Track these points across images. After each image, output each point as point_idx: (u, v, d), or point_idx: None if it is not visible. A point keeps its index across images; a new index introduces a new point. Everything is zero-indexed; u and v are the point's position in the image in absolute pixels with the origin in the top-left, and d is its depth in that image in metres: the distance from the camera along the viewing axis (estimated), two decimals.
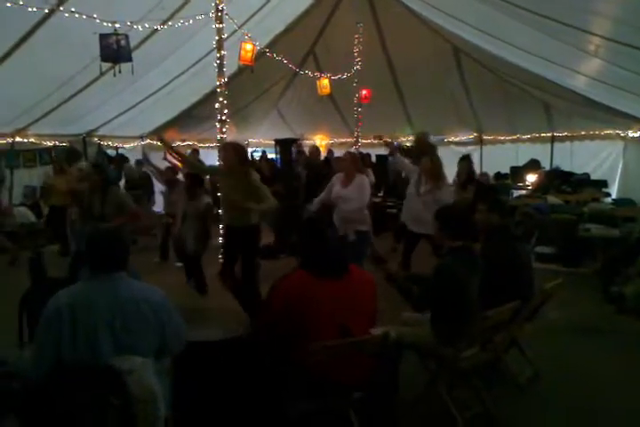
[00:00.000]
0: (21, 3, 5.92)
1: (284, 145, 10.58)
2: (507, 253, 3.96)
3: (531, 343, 4.24)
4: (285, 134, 15.11)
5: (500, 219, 4.21)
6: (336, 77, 11.47)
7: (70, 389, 2.48)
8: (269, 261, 7.21)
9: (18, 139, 10.25)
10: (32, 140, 10.49)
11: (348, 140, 14.45)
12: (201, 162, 9.63)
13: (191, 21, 7.91)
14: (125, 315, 2.59)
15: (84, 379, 2.48)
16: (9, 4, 5.74)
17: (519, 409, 3.78)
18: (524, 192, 11.41)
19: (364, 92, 11.56)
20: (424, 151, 6.42)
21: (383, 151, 14.23)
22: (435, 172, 5.79)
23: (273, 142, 15.17)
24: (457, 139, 14.28)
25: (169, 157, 7.75)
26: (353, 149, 11.27)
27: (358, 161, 6.14)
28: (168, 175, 8.26)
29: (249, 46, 8.42)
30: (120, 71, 6.66)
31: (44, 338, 2.58)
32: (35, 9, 6.26)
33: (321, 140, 15.66)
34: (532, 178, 11.86)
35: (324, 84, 11.25)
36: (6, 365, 3.04)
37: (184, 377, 2.96)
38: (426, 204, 5.57)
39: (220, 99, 7.33)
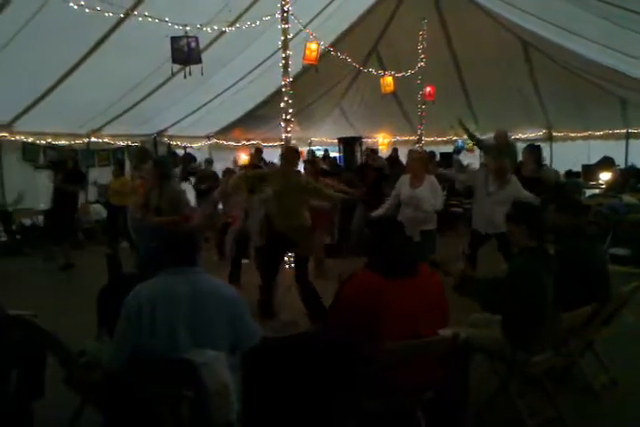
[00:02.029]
0: (98, 8, 6.18)
1: (347, 144, 10.58)
2: (581, 254, 3.82)
3: (606, 348, 4.07)
4: (347, 133, 15.15)
5: (573, 219, 4.05)
6: (400, 75, 11.37)
7: (147, 380, 2.57)
8: (330, 260, 7.23)
9: (93, 139, 10.76)
10: (106, 140, 10.98)
11: (411, 138, 14.30)
12: (260, 164, 9.72)
13: (257, 22, 8.03)
14: (201, 309, 2.66)
15: (160, 371, 2.56)
16: (87, 10, 6.00)
17: (593, 416, 3.64)
18: (597, 191, 10.95)
19: (427, 89, 11.41)
20: (500, 149, 6.22)
21: (447, 149, 14.07)
22: (501, 170, 5.65)
23: (335, 141, 15.31)
24: (525, 135, 13.86)
25: None
26: (416, 147, 11.15)
27: (427, 161, 6.05)
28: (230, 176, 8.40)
29: (313, 46, 8.48)
30: (190, 73, 6.85)
31: (125, 329, 2.68)
32: (111, 14, 6.51)
33: (383, 139, 15.58)
34: (605, 176, 11.36)
35: (388, 81, 11.17)
36: (86, 356, 3.20)
37: (252, 372, 3.01)
38: (496, 202, 5.43)
39: (285, 98, 7.41)
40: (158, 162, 5.68)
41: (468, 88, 13.60)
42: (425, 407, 2.91)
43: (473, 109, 14.06)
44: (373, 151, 11.01)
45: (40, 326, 3.22)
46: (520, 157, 7.02)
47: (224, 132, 13.58)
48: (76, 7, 6.07)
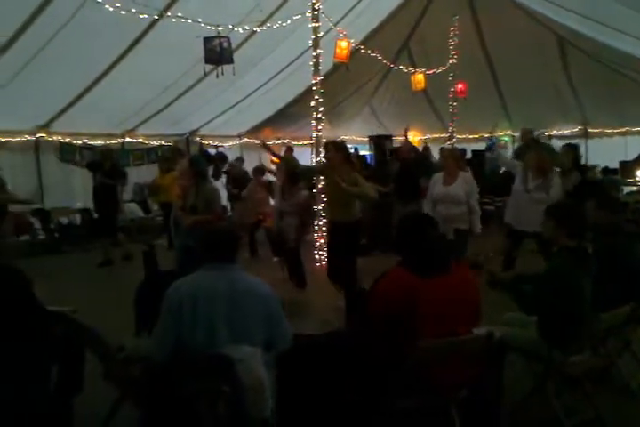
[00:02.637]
0: (134, 10, 6.29)
1: (377, 142, 10.55)
2: (619, 252, 3.74)
3: None
4: (377, 131, 15.10)
5: (611, 216, 3.98)
6: (431, 72, 11.29)
7: (186, 375, 2.62)
8: (362, 258, 7.20)
9: (128, 139, 10.97)
10: (140, 139, 11.20)
11: (442, 135, 14.17)
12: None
13: (288, 22, 8.06)
14: (239, 305, 2.70)
15: (198, 366, 2.61)
16: (123, 12, 6.12)
17: (631, 416, 3.56)
18: (634, 188, 10.69)
19: (459, 86, 11.30)
20: (529, 147, 6.15)
21: (479, 146, 13.90)
22: (541, 166, 5.56)
23: (365, 139, 15.26)
24: (560, 132, 13.61)
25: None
26: (447, 145, 11.06)
27: (460, 158, 5.99)
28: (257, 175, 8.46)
29: (344, 44, 8.48)
30: (223, 73, 6.93)
31: (166, 324, 2.74)
32: (145, 15, 6.62)
33: (414, 136, 15.46)
34: None
35: (419, 79, 11.10)
36: (124, 351, 3.27)
37: (286, 371, 3.03)
38: (534, 200, 5.35)
39: (316, 97, 7.43)
40: (193, 161, 5.77)
41: (501, 84, 13.41)
42: (459, 406, 2.89)
43: (506, 106, 13.88)
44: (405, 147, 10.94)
45: (80, 321, 3.29)
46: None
47: (254, 131, 13.66)
48: (111, 9, 6.20)
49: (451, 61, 10.97)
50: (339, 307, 5.23)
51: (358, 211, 5.39)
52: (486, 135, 14.16)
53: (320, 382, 3.00)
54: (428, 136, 15.53)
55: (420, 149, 12.87)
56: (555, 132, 13.62)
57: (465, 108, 11.45)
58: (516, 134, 14.67)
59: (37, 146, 9.66)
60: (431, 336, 2.73)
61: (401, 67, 11.58)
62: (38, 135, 9.59)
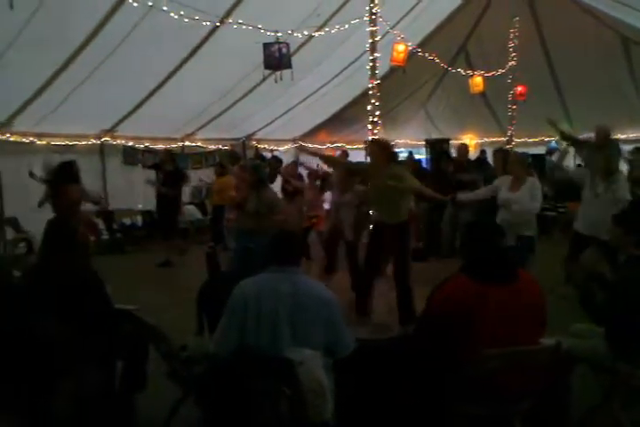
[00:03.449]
0: (197, 17, 6.46)
1: (434, 146, 10.43)
2: None
3: None
4: (433, 135, 14.95)
5: None
6: (489, 75, 11.08)
7: (248, 376, 2.65)
8: (418, 264, 7.11)
9: (187, 143, 11.27)
10: (199, 144, 11.48)
11: (500, 139, 13.88)
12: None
13: (346, 26, 8.08)
14: (301, 308, 2.73)
15: (260, 367, 2.64)
16: (186, 20, 6.29)
17: None
18: None
19: (519, 88, 11.05)
20: (600, 147, 5.87)
21: (539, 150, 13.53)
22: (609, 167, 5.36)
23: (419, 143, 15.13)
24: (624, 136, 13.08)
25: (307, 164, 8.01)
26: (502, 147, 10.80)
27: (526, 163, 5.80)
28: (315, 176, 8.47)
29: (401, 47, 8.44)
30: (282, 78, 7.01)
31: (229, 323, 2.80)
32: (208, 22, 6.78)
33: (470, 140, 15.22)
34: None
35: (477, 81, 10.92)
36: (187, 350, 3.34)
37: (345, 375, 3.03)
38: (604, 205, 5.16)
39: (373, 100, 7.41)
40: (254, 167, 5.85)
41: (562, 87, 13.03)
42: (524, 417, 2.82)
43: (567, 109, 13.47)
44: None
45: (145, 319, 3.39)
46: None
47: (309, 135, 13.78)
48: (176, 17, 6.38)
49: (510, 63, 10.74)
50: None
51: (406, 213, 5.30)
52: (546, 139, 13.81)
53: (380, 388, 2.98)
54: (485, 140, 15.26)
55: (477, 152, 12.72)
56: (619, 135, 13.08)
57: (524, 112, 11.19)
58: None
59: (102, 149, 10.05)
60: (493, 345, 2.67)
61: (458, 69, 11.41)
62: (103, 139, 9.98)
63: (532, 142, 14.49)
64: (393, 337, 3.56)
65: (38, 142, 9.00)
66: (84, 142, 9.71)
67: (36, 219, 8.26)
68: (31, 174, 7.31)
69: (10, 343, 3.16)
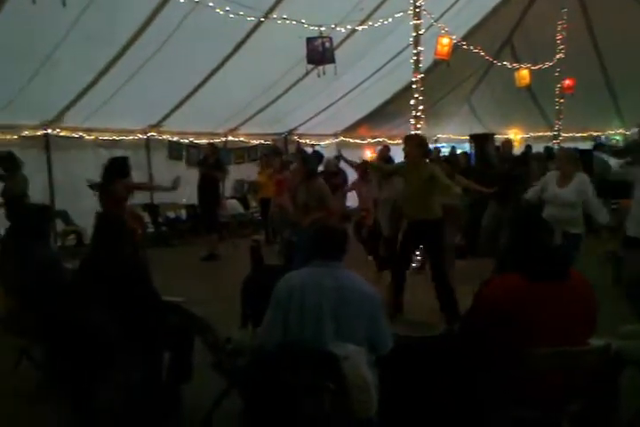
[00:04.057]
0: (241, 13, 6.51)
1: (478, 140, 10.26)
2: None
3: None
4: (476, 129, 14.69)
5: None
6: (536, 68, 10.82)
7: (292, 370, 2.67)
8: (459, 262, 7.02)
9: (230, 138, 11.41)
10: (242, 138, 11.61)
11: (546, 134, 13.56)
12: (390, 160, 9.68)
13: (390, 20, 8.01)
14: (345, 303, 2.73)
15: (305, 361, 2.66)
16: (232, 16, 6.35)
17: None
18: None
19: (567, 82, 10.75)
20: None
21: (587, 146, 13.16)
22: None
23: (462, 138, 14.90)
24: None
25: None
26: (551, 144, 10.57)
27: (575, 158, 5.65)
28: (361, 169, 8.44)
29: (445, 40, 8.33)
30: (324, 73, 7.01)
31: (274, 316, 2.82)
32: (253, 18, 6.83)
33: (515, 135, 14.92)
34: None
35: (524, 75, 10.68)
36: (232, 343, 3.39)
37: (387, 372, 3.02)
38: None
39: (416, 95, 7.34)
40: (305, 160, 5.89)
41: (612, 80, 12.63)
42: (571, 420, 2.76)
43: (617, 103, 13.06)
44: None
45: (192, 311, 3.45)
46: None
47: (351, 129, 13.75)
48: (221, 13, 6.44)
49: (558, 56, 10.45)
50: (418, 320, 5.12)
51: (439, 209, 5.24)
52: (595, 134, 13.43)
53: (424, 386, 2.96)
54: (531, 135, 14.93)
55: (522, 148, 12.45)
56: None
57: (572, 106, 10.89)
58: (628, 133, 13.77)
59: (148, 144, 10.26)
60: (541, 345, 2.62)
61: (504, 63, 11.17)
62: (149, 134, 10.19)
63: (579, 137, 14.12)
64: (437, 335, 3.52)
65: (87, 137, 9.27)
66: (130, 137, 9.94)
67: (84, 212, 8.57)
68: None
69: (63, 334, 3.28)
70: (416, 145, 5.22)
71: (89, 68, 7.78)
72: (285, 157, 10.07)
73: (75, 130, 9.11)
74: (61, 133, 8.96)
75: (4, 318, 3.76)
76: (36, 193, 7.35)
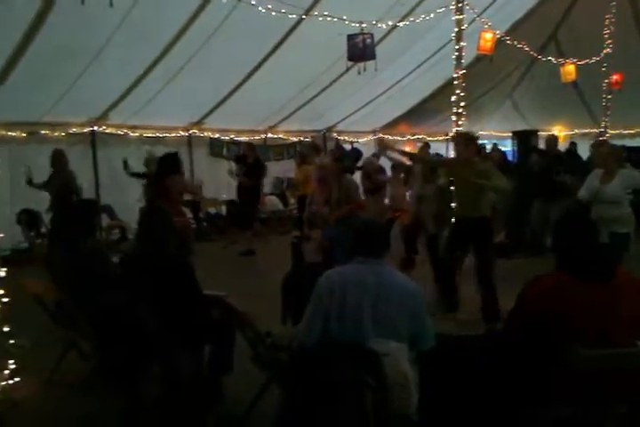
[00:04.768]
0: (283, 10, 6.55)
1: (522, 137, 10.05)
2: None
3: None
4: (519, 126, 14.40)
5: None
6: (582, 63, 10.52)
7: (332, 365, 2.69)
8: (503, 261, 6.91)
9: (269, 135, 11.51)
10: (281, 136, 11.70)
11: (592, 130, 13.19)
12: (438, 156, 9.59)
13: (432, 15, 7.92)
14: (386, 300, 2.73)
15: (345, 357, 2.66)
16: (274, 13, 6.39)
17: None
18: None
19: (614, 77, 10.41)
20: None
21: (637, 143, 12.76)
22: None
23: (504, 134, 14.63)
24: None
25: (393, 154, 7.88)
26: (597, 140, 10.25)
27: (620, 154, 5.50)
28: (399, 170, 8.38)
29: (488, 35, 8.16)
30: (365, 69, 6.99)
31: (315, 311, 2.83)
32: (295, 15, 6.86)
33: (559, 132, 14.55)
34: None
35: (569, 70, 10.40)
36: (272, 337, 3.43)
37: (429, 370, 3.00)
38: None
39: (457, 91, 7.23)
40: (340, 157, 5.90)
41: None
42: (618, 423, 2.69)
43: None
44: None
45: (233, 305, 3.50)
46: None
47: (390, 126, 13.66)
48: (263, 11, 6.49)
49: (605, 51, 10.13)
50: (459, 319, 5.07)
51: (488, 208, 5.17)
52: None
53: (465, 385, 2.94)
54: (576, 131, 14.55)
55: (567, 144, 12.14)
56: None
57: (620, 102, 10.54)
58: None
59: (190, 141, 10.44)
60: (591, 344, 2.57)
61: (549, 58, 10.90)
62: (191, 131, 10.37)
63: (627, 134, 13.69)
64: (479, 334, 3.47)
65: (131, 134, 9.50)
66: (173, 134, 10.15)
67: (128, 207, 8.79)
68: (126, 166, 7.71)
69: (110, 326, 3.38)
70: (467, 142, 5.17)
71: (134, 67, 7.96)
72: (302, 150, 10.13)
73: (120, 127, 9.36)
74: (107, 130, 9.23)
75: (54, 311, 3.89)
76: (83, 188, 7.56)
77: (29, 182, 7.31)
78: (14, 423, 3.37)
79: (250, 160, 8.66)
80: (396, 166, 8.26)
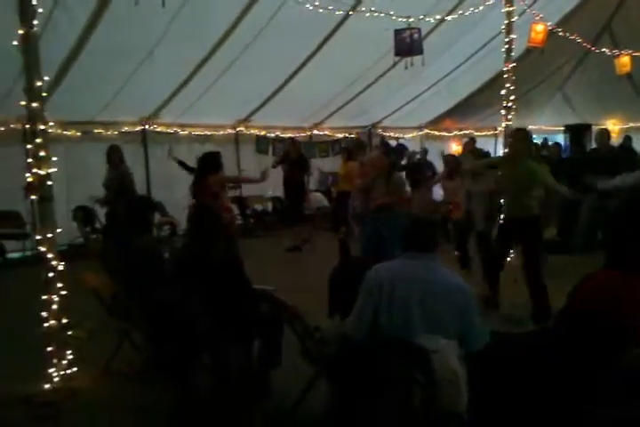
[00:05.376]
0: (330, 7, 6.55)
1: (575, 131, 9.75)
2: None
3: None
4: (570, 120, 13.99)
5: None
6: (638, 54, 10.14)
7: (381, 361, 2.69)
8: (554, 258, 6.74)
9: (315, 131, 11.56)
10: (326, 132, 11.72)
11: None
12: (485, 154, 9.40)
13: (481, 8, 7.77)
14: (435, 296, 2.72)
15: (394, 353, 2.67)
16: (320, 10, 6.40)
17: None
18: None
19: None
20: None
21: None
22: None
23: (555, 129, 14.24)
24: None
25: None
26: None
27: None
28: (451, 165, 8.28)
29: (540, 27, 7.99)
30: (412, 64, 6.93)
31: (365, 304, 2.84)
32: (342, 12, 6.86)
33: (613, 126, 14.06)
34: None
35: (624, 61, 10.05)
36: (320, 332, 3.45)
37: (478, 367, 2.96)
38: None
39: (507, 84, 7.10)
40: (388, 152, 5.89)
41: None
42: None
43: None
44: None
45: (283, 300, 3.54)
46: None
47: (436, 122, 13.50)
48: (311, 8, 6.52)
49: None
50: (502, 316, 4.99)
51: (537, 206, 5.07)
52: None
53: (515, 383, 2.89)
54: (631, 125, 14.03)
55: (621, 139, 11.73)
56: None
57: None
58: None
59: (237, 138, 10.59)
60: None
61: (603, 49, 10.54)
62: (238, 129, 10.52)
63: None
64: (529, 331, 3.41)
65: (181, 133, 9.71)
66: (220, 132, 10.31)
67: (178, 204, 8.97)
68: (170, 154, 7.87)
69: (163, 320, 3.47)
70: (521, 140, 5.10)
71: (183, 66, 8.12)
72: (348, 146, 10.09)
73: (170, 126, 9.59)
74: (157, 129, 9.45)
75: (109, 303, 4.02)
76: (135, 185, 7.77)
77: (180, 163, 7.80)
78: (72, 412, 3.49)
79: (293, 156, 8.73)
80: (448, 161, 8.15)
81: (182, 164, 8.04)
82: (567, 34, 9.35)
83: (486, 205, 6.05)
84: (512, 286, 5.39)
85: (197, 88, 8.58)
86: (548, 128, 14.75)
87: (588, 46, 10.58)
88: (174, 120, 9.52)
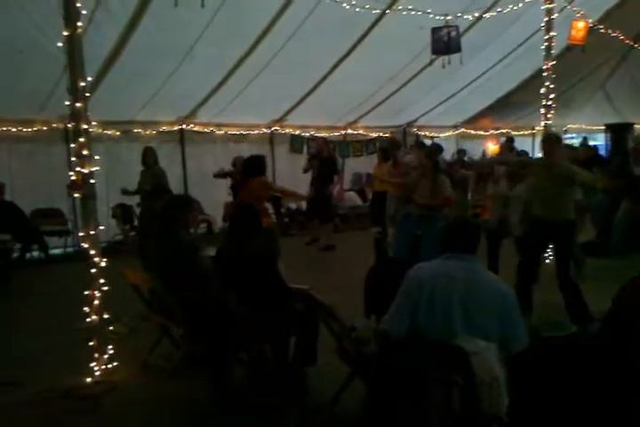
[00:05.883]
0: (367, 6, 6.53)
1: (616, 131, 9.49)
2: None
3: None
4: (611, 119, 13.64)
5: None
6: None
7: (420, 361, 2.67)
8: (593, 260, 6.59)
9: (349, 131, 11.55)
10: (360, 131, 11.70)
11: None
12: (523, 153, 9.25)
13: (520, 5, 7.63)
14: (476, 297, 2.68)
15: (433, 354, 2.64)
16: (357, 9, 6.39)
17: None
18: None
19: None
20: None
21: None
22: None
23: (595, 128, 13.90)
24: None
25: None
26: None
27: None
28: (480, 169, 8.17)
29: (581, 24, 7.81)
30: (450, 62, 6.86)
31: (403, 303, 2.83)
32: (378, 11, 6.83)
33: None
34: None
35: None
36: (355, 331, 3.44)
37: (519, 370, 2.91)
38: None
39: (547, 83, 6.97)
40: (429, 152, 5.86)
41: None
42: None
43: None
44: None
45: (319, 298, 3.54)
46: None
47: (472, 121, 13.32)
48: (347, 7, 6.51)
49: None
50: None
51: (572, 209, 4.96)
52: None
53: (559, 387, 2.83)
54: None
55: None
56: None
57: None
58: None
59: (272, 138, 10.66)
60: None
61: None
62: (273, 128, 10.59)
63: None
64: (570, 334, 3.33)
65: (217, 132, 9.84)
66: (256, 132, 10.40)
67: (214, 202, 9.10)
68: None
69: (201, 316, 3.52)
70: (553, 145, 5.03)
71: (220, 66, 8.20)
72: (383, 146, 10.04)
73: (206, 125, 9.72)
74: (194, 128, 9.59)
75: (149, 298, 4.10)
76: (172, 184, 7.89)
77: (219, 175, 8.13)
78: (112, 405, 3.56)
79: (324, 154, 8.79)
80: (478, 164, 8.06)
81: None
82: (609, 31, 9.11)
83: (523, 211, 5.95)
84: (548, 286, 5.28)
85: (234, 88, 8.66)
86: (588, 127, 14.42)
87: (631, 43, 10.30)
88: (211, 120, 9.64)
